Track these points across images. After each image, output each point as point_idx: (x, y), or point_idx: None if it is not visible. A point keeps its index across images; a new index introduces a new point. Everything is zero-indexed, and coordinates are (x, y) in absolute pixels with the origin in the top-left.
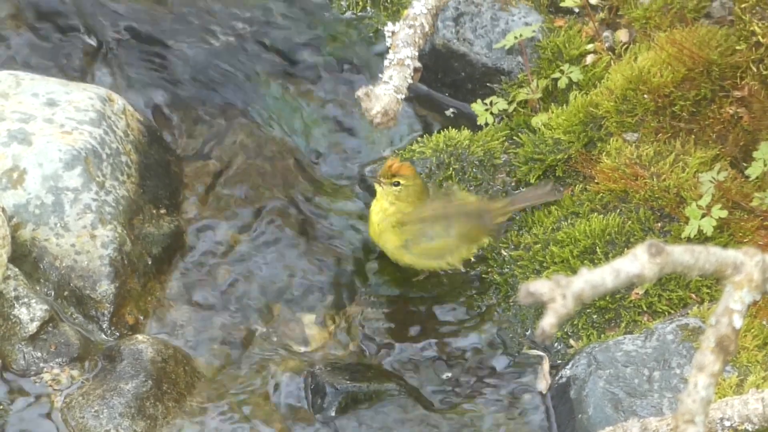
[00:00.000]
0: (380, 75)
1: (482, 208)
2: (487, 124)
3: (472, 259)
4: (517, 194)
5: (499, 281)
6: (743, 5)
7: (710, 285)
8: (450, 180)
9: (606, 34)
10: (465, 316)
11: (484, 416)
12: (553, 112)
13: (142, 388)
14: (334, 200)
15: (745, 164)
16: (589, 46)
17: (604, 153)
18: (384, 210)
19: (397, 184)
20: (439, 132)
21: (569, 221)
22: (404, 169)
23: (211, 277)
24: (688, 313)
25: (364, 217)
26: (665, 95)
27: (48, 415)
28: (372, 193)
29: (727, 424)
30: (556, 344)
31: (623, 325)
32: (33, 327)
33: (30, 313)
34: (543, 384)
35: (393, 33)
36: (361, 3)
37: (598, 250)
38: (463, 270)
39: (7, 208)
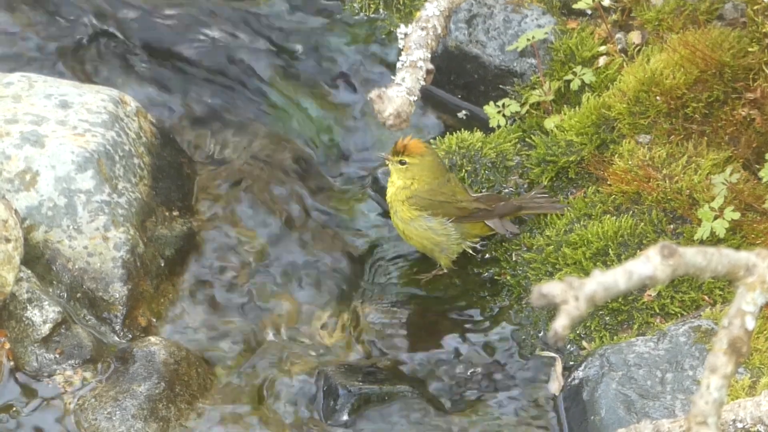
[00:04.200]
0: (393, 77)
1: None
2: (499, 126)
3: (478, 255)
4: (523, 196)
5: (512, 283)
6: (756, 7)
7: (723, 287)
8: (462, 182)
9: (618, 36)
10: (478, 317)
11: (497, 418)
12: (565, 114)
13: (154, 390)
14: (347, 202)
15: (757, 166)
16: (602, 48)
17: (617, 155)
18: (393, 184)
19: (403, 162)
20: (451, 134)
21: (582, 223)
22: (412, 148)
23: (223, 278)
24: (700, 315)
25: (376, 219)
26: (678, 97)
27: (61, 417)
28: (384, 196)
29: (739, 425)
30: (568, 346)
31: (636, 326)
32: (46, 329)
33: (43, 315)
34: (556, 386)
35: (406, 35)
36: (373, 5)
37: (610, 251)
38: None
39: (20, 210)
